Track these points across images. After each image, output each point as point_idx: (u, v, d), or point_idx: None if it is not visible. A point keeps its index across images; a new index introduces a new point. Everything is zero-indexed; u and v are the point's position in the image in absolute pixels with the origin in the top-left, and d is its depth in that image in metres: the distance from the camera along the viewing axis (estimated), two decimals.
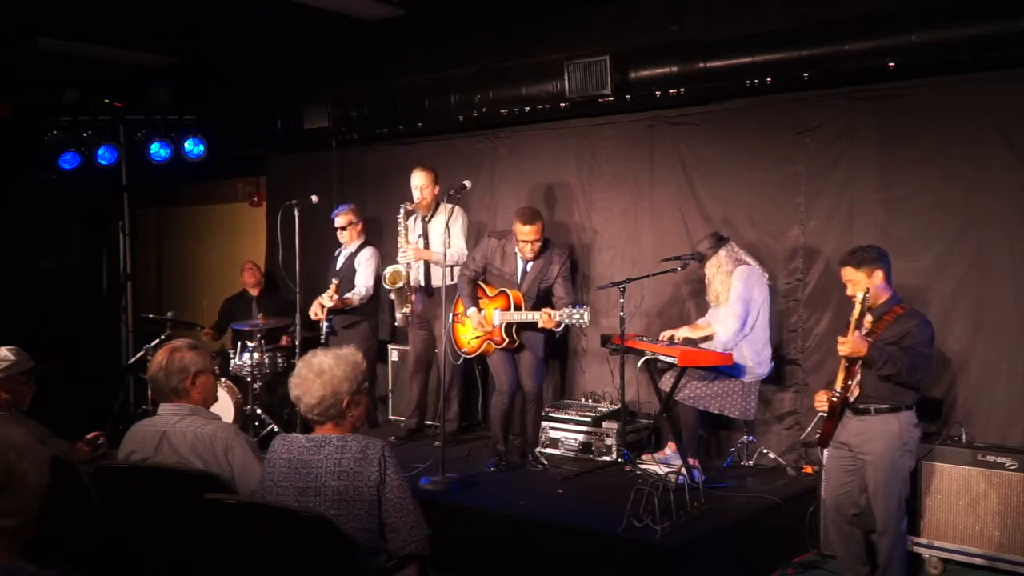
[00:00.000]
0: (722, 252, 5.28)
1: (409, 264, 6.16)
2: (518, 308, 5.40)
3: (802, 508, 4.90)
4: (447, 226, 5.97)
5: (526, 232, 5.37)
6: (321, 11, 6.20)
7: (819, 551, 4.81)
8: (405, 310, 6.23)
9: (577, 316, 5.13)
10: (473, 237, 6.42)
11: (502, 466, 5.45)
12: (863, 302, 3.97)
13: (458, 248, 6.04)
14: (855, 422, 4.15)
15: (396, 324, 6.49)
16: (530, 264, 5.51)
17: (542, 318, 5.21)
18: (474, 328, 5.51)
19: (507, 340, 5.41)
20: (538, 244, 5.43)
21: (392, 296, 6.34)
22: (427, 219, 6.23)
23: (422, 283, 6.21)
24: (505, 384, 5.52)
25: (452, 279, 5.91)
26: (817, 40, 5.12)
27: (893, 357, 3.96)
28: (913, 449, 4.18)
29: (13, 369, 3.93)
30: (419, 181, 6.14)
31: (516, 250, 5.51)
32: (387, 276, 6.18)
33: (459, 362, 5.85)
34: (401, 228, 6.21)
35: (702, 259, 5.34)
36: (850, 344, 3.97)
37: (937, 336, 4.24)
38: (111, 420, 7.03)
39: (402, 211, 6.19)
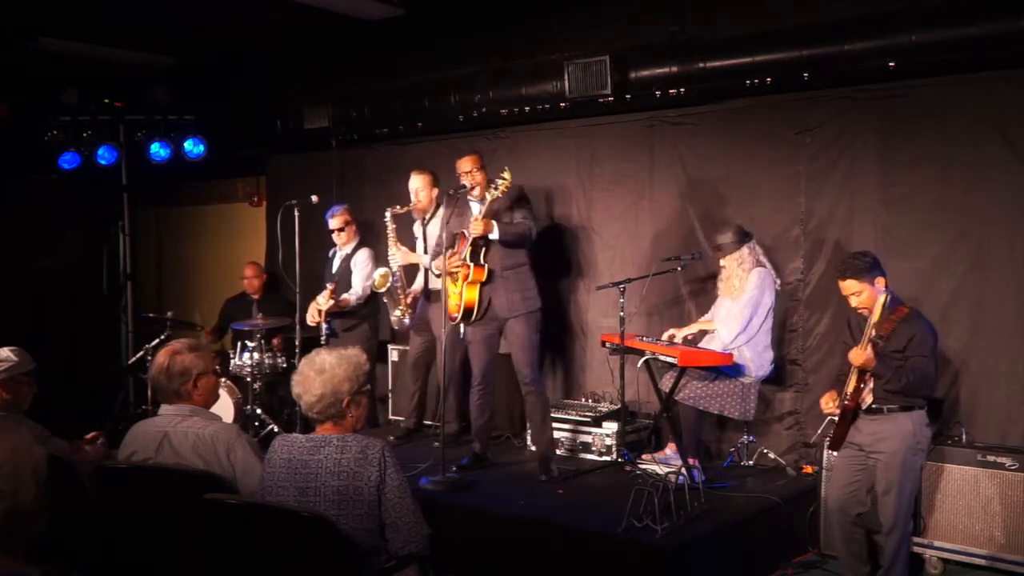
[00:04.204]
0: (745, 248, 5.27)
1: (401, 267, 6.14)
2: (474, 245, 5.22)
3: (802, 508, 4.90)
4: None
5: (458, 164, 5.32)
6: (321, 11, 6.19)
7: (819, 551, 4.82)
8: (398, 312, 6.18)
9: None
10: None
11: (474, 465, 5.41)
12: (883, 306, 3.97)
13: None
14: (867, 422, 4.15)
15: (393, 327, 6.46)
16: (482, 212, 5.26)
17: (476, 227, 5.08)
18: (454, 260, 5.27)
19: (475, 266, 5.19)
20: (470, 177, 5.26)
21: (384, 299, 6.33)
22: (426, 222, 6.22)
23: (422, 286, 6.21)
24: (478, 372, 5.41)
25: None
26: (817, 40, 5.11)
27: (899, 373, 3.99)
28: (925, 448, 4.20)
29: (15, 369, 3.93)
30: (415, 184, 6.12)
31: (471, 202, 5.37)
32: (376, 280, 6.17)
33: (462, 336, 5.44)
34: (390, 231, 6.17)
35: (719, 250, 5.32)
36: (863, 358, 3.99)
37: (938, 337, 4.24)
38: (111, 420, 7.03)
39: (388, 215, 6.11)
